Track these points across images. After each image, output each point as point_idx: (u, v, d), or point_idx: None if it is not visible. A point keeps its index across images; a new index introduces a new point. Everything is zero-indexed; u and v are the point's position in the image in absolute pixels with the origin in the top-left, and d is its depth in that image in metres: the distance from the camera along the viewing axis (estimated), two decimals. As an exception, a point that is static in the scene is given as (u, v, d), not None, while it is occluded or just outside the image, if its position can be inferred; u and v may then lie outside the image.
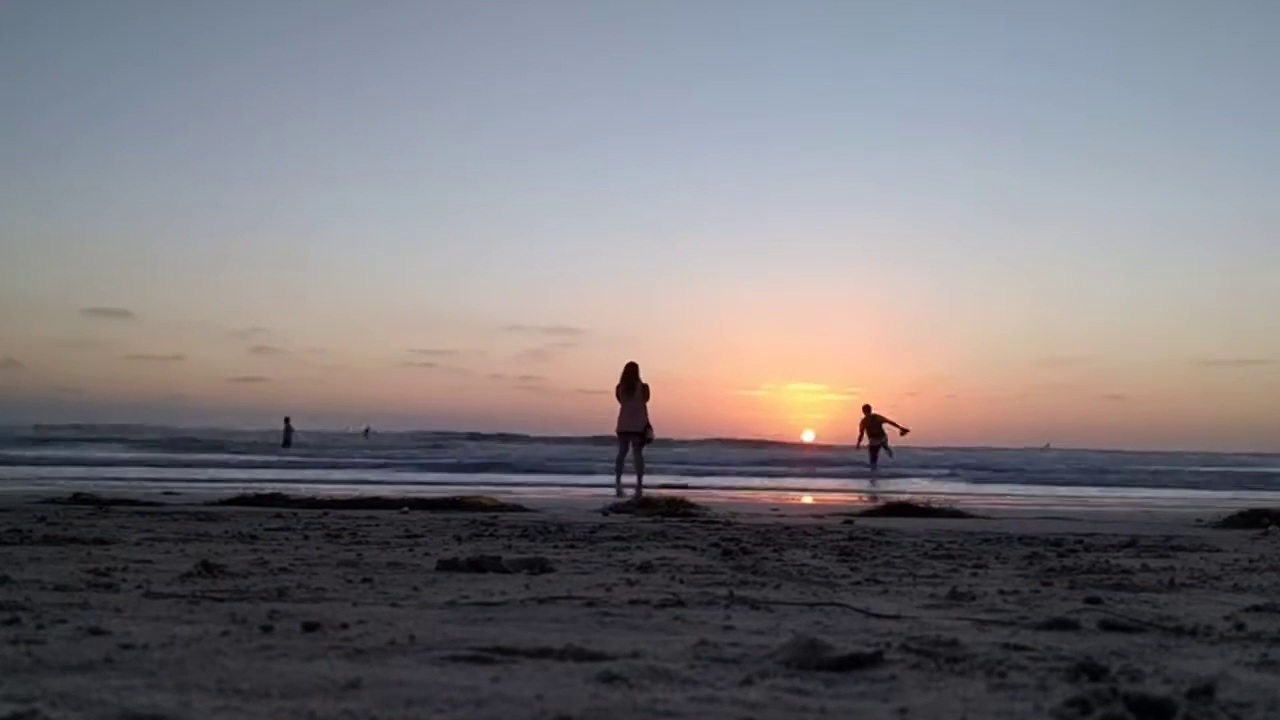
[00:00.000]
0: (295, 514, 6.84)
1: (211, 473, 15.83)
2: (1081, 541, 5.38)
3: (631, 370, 14.18)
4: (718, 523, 6.82)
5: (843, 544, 5.01)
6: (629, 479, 13.87)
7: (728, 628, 2.29)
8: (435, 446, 39.43)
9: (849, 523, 7.12)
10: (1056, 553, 4.70)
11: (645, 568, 3.72)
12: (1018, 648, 2.03)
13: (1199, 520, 8.12)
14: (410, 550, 4.31)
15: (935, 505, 8.71)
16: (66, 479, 12.68)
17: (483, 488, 11.94)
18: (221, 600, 2.63)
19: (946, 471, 23.12)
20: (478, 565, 3.51)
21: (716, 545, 4.71)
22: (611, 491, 12.44)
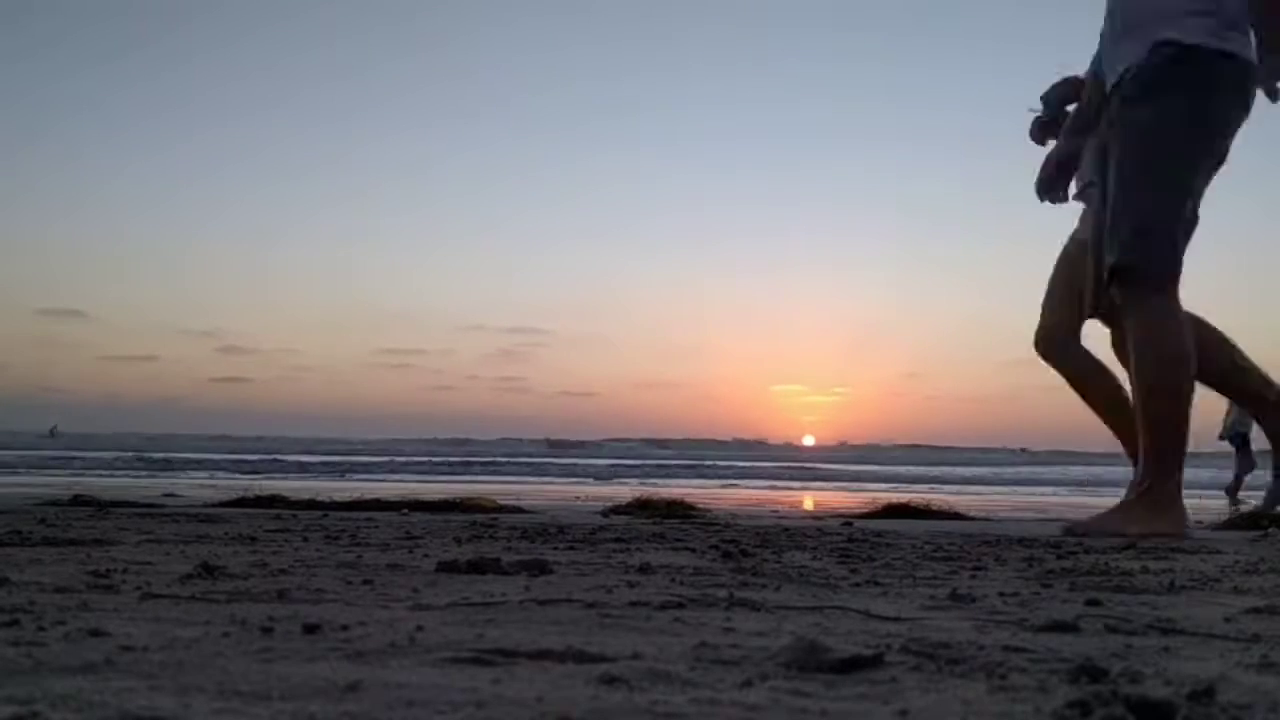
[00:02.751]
0: (295, 516, 6.84)
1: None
2: (1081, 543, 5.38)
3: None
4: (717, 524, 6.82)
5: (842, 546, 5.01)
6: None
7: (728, 629, 2.29)
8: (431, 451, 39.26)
9: (848, 524, 7.12)
10: (1056, 554, 4.69)
11: (645, 569, 3.71)
12: (1018, 649, 2.03)
13: (1198, 521, 8.12)
14: (410, 552, 4.30)
15: (934, 507, 8.71)
16: (65, 480, 12.66)
17: (482, 489, 11.94)
18: (221, 602, 2.63)
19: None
20: (477, 567, 3.51)
21: (716, 547, 4.71)
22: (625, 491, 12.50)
